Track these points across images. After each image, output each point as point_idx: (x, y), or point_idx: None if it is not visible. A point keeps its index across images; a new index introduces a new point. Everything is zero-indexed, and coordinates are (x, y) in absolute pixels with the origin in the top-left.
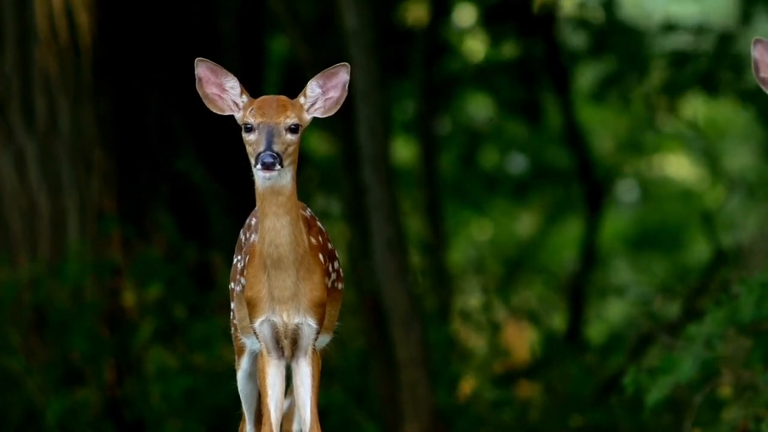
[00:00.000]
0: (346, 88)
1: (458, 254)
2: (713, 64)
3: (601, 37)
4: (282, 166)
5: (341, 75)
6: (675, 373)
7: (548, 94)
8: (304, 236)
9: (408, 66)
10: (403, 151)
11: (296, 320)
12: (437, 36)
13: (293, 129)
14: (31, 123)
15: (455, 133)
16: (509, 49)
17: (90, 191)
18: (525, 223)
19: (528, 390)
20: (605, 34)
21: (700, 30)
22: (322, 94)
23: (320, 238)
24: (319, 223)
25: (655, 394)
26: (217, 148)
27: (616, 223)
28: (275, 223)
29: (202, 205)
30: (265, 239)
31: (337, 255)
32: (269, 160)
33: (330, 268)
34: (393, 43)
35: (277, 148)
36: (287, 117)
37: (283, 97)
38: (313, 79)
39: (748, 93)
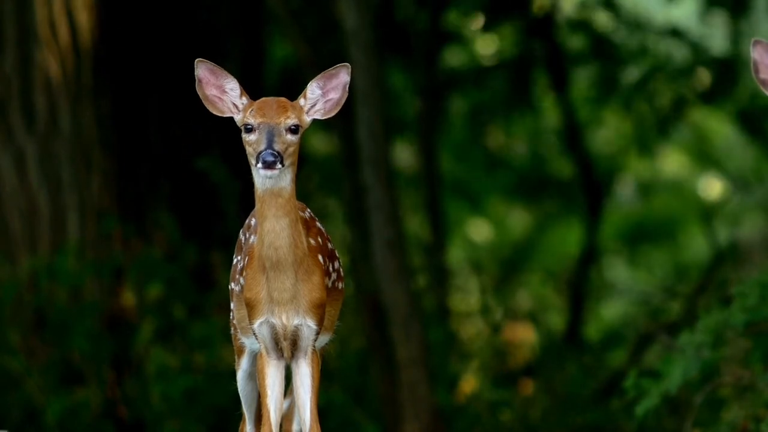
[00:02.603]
0: (347, 89)
1: (457, 254)
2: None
3: (600, 39)
4: (283, 165)
5: (342, 76)
6: (665, 384)
7: (547, 94)
8: (303, 238)
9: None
10: (403, 151)
11: (296, 322)
12: (438, 34)
13: (293, 130)
14: (32, 123)
15: (457, 118)
16: (507, 44)
17: (90, 191)
18: (524, 222)
19: (528, 389)
20: (602, 41)
21: (698, 48)
22: (322, 96)
23: (319, 239)
24: (318, 224)
25: (646, 404)
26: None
27: (614, 221)
28: (274, 225)
29: (210, 204)
30: (264, 241)
31: (337, 255)
32: (270, 158)
33: (330, 268)
34: (394, 41)
35: (277, 147)
36: (287, 117)
37: (283, 99)
38: (313, 80)
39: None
